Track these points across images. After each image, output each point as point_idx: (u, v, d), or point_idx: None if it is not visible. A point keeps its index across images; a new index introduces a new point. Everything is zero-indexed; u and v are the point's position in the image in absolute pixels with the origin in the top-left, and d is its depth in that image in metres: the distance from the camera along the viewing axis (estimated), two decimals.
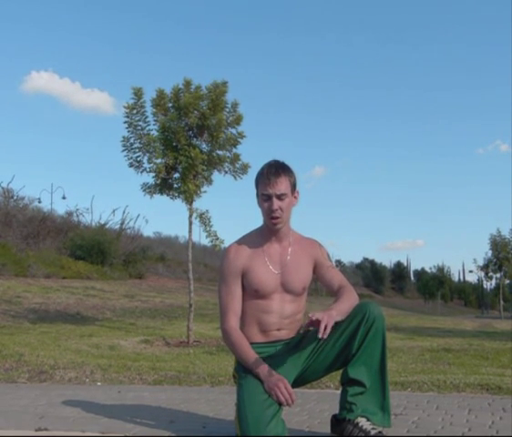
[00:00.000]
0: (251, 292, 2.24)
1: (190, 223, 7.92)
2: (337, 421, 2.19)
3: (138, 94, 7.67)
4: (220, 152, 7.90)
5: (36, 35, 73.90)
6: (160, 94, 7.71)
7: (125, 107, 7.64)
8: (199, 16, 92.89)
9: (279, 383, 2.03)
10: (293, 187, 2.25)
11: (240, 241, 2.30)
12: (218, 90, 7.59)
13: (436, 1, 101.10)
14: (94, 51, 79.46)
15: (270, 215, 2.20)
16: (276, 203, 2.18)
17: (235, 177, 7.97)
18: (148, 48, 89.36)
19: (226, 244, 7.37)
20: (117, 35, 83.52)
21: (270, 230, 2.26)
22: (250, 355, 2.15)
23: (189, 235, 8.08)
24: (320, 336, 1.90)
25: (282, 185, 2.19)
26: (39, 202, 24.91)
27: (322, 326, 1.90)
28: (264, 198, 2.20)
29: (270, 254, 2.26)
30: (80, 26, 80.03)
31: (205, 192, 7.95)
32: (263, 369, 2.10)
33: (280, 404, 2.03)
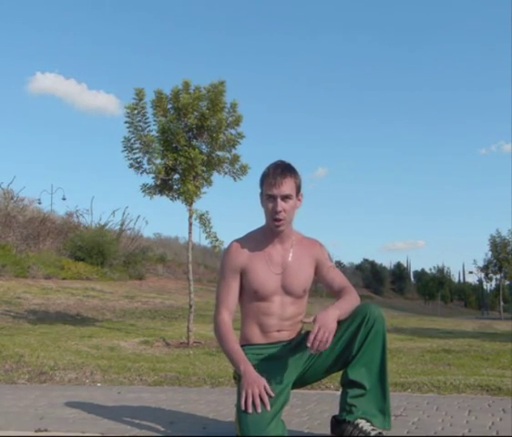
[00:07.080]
0: (251, 293, 2.24)
1: (190, 224, 7.91)
2: (337, 423, 2.19)
3: (139, 95, 7.67)
4: (219, 153, 7.90)
5: (41, 37, 74.05)
6: (159, 94, 7.72)
7: (126, 108, 7.67)
8: (201, 18, 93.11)
9: (254, 386, 1.98)
10: (298, 189, 2.24)
11: (243, 239, 2.30)
12: (216, 90, 7.60)
13: (437, 1, 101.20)
14: (101, 53, 79.63)
15: (273, 216, 2.19)
16: (280, 205, 2.17)
17: (234, 179, 7.97)
18: (157, 51, 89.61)
19: (226, 245, 7.35)
20: (124, 37, 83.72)
21: (272, 231, 2.25)
22: (236, 350, 2.14)
23: (189, 236, 8.07)
24: (309, 345, 1.94)
25: (288, 186, 2.18)
26: (39, 203, 24.92)
27: (311, 337, 1.94)
28: (269, 199, 2.19)
29: (271, 255, 2.26)
30: (86, 28, 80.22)
31: (205, 193, 7.95)
32: (246, 366, 2.07)
33: (245, 410, 1.96)
